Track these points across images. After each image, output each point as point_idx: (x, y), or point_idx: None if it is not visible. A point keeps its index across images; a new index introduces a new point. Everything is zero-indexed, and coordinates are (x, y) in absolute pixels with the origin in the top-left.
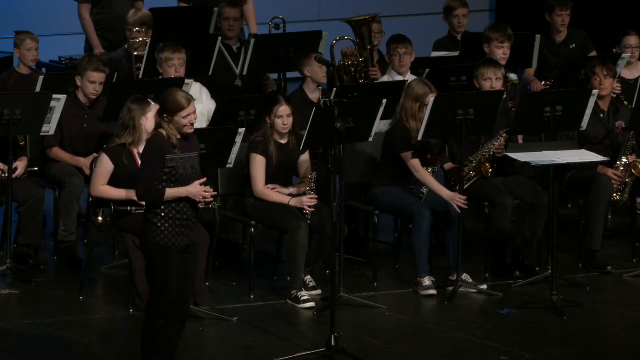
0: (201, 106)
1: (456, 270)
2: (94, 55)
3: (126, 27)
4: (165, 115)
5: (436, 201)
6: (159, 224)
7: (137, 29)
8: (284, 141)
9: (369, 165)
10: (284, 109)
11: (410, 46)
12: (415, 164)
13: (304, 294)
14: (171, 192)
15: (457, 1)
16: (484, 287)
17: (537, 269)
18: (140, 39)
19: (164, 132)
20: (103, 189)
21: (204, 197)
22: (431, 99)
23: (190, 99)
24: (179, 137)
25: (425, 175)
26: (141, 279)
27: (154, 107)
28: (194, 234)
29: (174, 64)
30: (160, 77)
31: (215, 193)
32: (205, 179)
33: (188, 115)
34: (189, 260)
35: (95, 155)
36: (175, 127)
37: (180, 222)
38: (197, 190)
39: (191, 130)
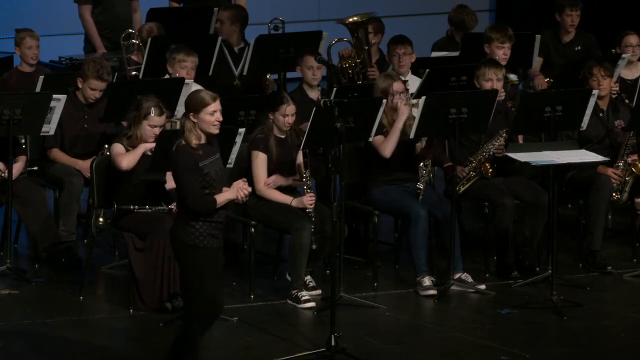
0: None
1: (451, 269)
2: (100, 62)
3: (132, 39)
4: (191, 114)
5: (434, 201)
6: (197, 226)
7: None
8: (283, 136)
9: (368, 165)
10: (291, 109)
11: (410, 46)
12: (378, 141)
13: (305, 294)
14: (221, 198)
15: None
16: (483, 287)
17: (537, 269)
18: (137, 42)
19: (184, 141)
20: (127, 157)
21: (245, 194)
22: (399, 89)
23: (215, 97)
24: (201, 141)
25: (385, 141)
26: (142, 278)
27: (155, 118)
28: (222, 237)
29: (187, 66)
30: (167, 76)
31: (249, 188)
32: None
33: (214, 111)
34: (222, 262)
35: (94, 157)
36: (201, 127)
37: (215, 225)
38: (239, 193)
39: (217, 131)
